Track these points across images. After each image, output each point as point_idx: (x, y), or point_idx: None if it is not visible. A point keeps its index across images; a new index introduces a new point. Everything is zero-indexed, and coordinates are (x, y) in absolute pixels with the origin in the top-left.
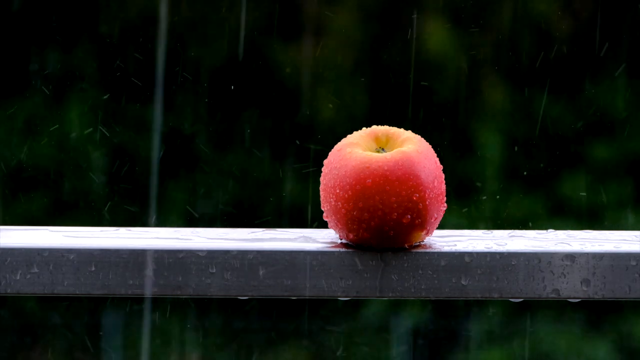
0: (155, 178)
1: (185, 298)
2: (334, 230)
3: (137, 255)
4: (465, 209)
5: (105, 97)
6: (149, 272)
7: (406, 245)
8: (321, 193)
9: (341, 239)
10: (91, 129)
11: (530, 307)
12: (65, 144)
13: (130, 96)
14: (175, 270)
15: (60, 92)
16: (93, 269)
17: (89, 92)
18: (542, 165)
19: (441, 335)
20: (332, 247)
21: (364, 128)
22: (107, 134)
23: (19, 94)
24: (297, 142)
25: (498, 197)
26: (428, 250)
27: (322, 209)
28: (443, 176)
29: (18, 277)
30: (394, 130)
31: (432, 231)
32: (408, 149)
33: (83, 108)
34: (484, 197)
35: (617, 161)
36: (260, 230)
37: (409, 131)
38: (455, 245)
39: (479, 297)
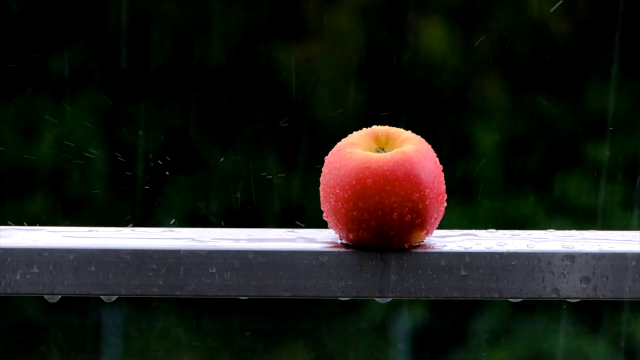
0: (156, 178)
1: (185, 298)
2: (334, 230)
3: (137, 255)
4: (465, 209)
5: (106, 96)
6: (149, 272)
7: (406, 245)
8: (321, 193)
9: (341, 239)
10: (92, 129)
11: (531, 307)
12: (65, 143)
13: (131, 96)
14: (175, 270)
15: (61, 91)
16: (93, 269)
17: (90, 92)
18: (541, 165)
19: (441, 335)
20: (332, 247)
21: (364, 128)
22: (108, 134)
23: (19, 93)
24: (297, 141)
25: (497, 197)
26: (428, 250)
27: (322, 209)
28: (443, 176)
29: (18, 277)
30: (394, 130)
31: (432, 231)
32: (408, 149)
33: (84, 107)
34: (484, 197)
35: (616, 161)
36: (260, 230)
37: (409, 131)
38: (455, 245)
39: (479, 297)
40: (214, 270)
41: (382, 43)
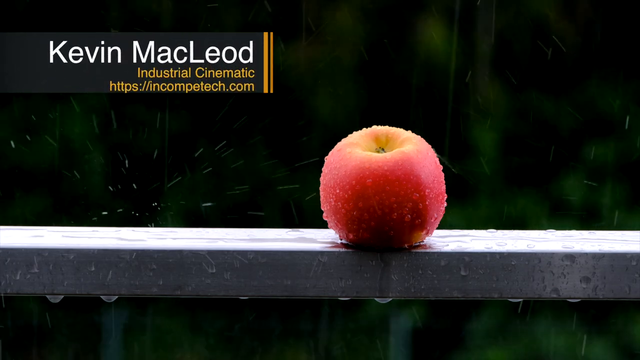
0: (156, 178)
1: (185, 298)
2: (334, 230)
3: (137, 255)
4: (465, 209)
5: (105, 97)
6: (149, 272)
7: (406, 245)
8: (321, 193)
9: (341, 239)
10: (91, 129)
11: (530, 307)
12: (65, 144)
13: (130, 96)
14: (175, 270)
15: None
16: (93, 269)
17: (90, 92)
18: (541, 165)
19: (441, 335)
20: (332, 247)
21: (364, 128)
22: (107, 134)
23: (19, 93)
24: (297, 141)
25: (497, 197)
26: (428, 250)
27: (322, 209)
28: (443, 176)
29: (18, 277)
30: (394, 130)
31: (432, 231)
32: (408, 149)
33: (83, 108)
34: (483, 197)
35: (616, 161)
36: (260, 230)
37: (409, 131)
38: (456, 245)
39: (479, 297)
40: (214, 270)
41: (382, 43)
